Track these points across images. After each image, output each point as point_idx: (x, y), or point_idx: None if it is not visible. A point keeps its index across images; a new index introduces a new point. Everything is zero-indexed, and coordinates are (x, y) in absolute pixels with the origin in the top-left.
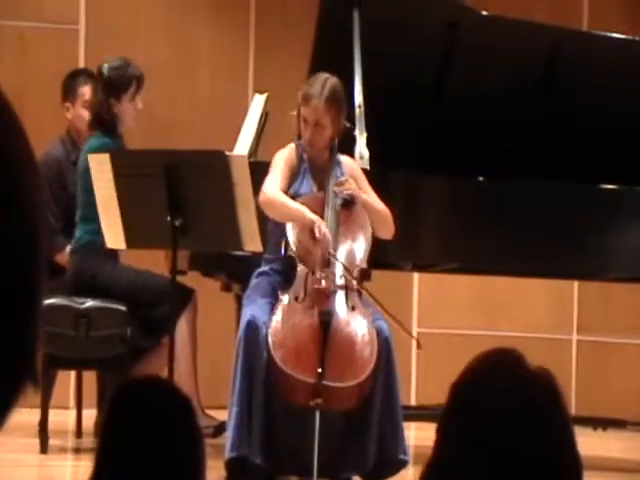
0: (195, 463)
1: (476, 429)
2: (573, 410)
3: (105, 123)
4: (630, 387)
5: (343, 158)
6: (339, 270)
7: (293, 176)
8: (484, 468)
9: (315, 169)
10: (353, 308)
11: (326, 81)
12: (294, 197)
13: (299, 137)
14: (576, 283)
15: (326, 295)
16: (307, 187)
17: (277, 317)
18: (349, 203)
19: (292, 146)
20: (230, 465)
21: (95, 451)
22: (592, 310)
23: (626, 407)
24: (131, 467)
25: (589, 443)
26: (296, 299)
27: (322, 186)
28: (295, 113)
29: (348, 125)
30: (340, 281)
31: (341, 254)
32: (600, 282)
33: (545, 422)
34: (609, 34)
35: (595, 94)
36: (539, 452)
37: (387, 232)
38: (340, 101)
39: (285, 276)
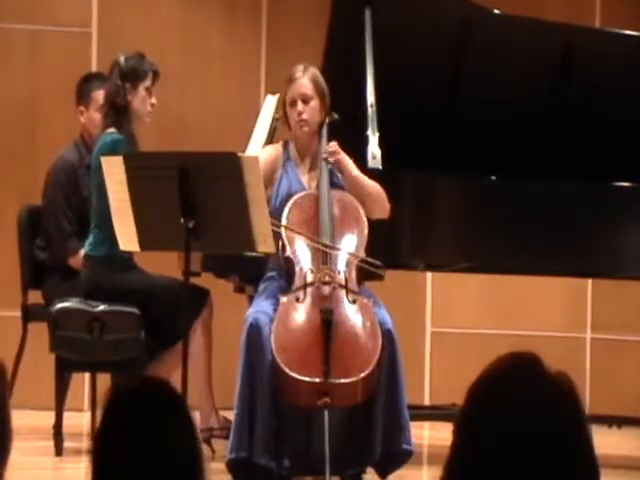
0: (190, 459)
1: (493, 432)
2: (588, 408)
3: (118, 110)
4: None
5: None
6: (338, 266)
7: (272, 173)
8: (501, 471)
9: (304, 162)
10: (354, 302)
11: (307, 65)
12: (289, 196)
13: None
14: (590, 281)
15: (326, 292)
16: (297, 184)
17: (279, 320)
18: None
19: (278, 146)
20: (231, 466)
21: (91, 455)
22: (606, 308)
23: None
24: (127, 468)
25: (604, 441)
26: (297, 300)
27: (313, 169)
28: (281, 114)
29: (336, 116)
30: (339, 276)
31: (340, 247)
32: (614, 280)
33: (563, 426)
34: (622, 31)
35: (609, 92)
36: (556, 455)
37: (382, 211)
38: (323, 84)
39: (289, 280)
